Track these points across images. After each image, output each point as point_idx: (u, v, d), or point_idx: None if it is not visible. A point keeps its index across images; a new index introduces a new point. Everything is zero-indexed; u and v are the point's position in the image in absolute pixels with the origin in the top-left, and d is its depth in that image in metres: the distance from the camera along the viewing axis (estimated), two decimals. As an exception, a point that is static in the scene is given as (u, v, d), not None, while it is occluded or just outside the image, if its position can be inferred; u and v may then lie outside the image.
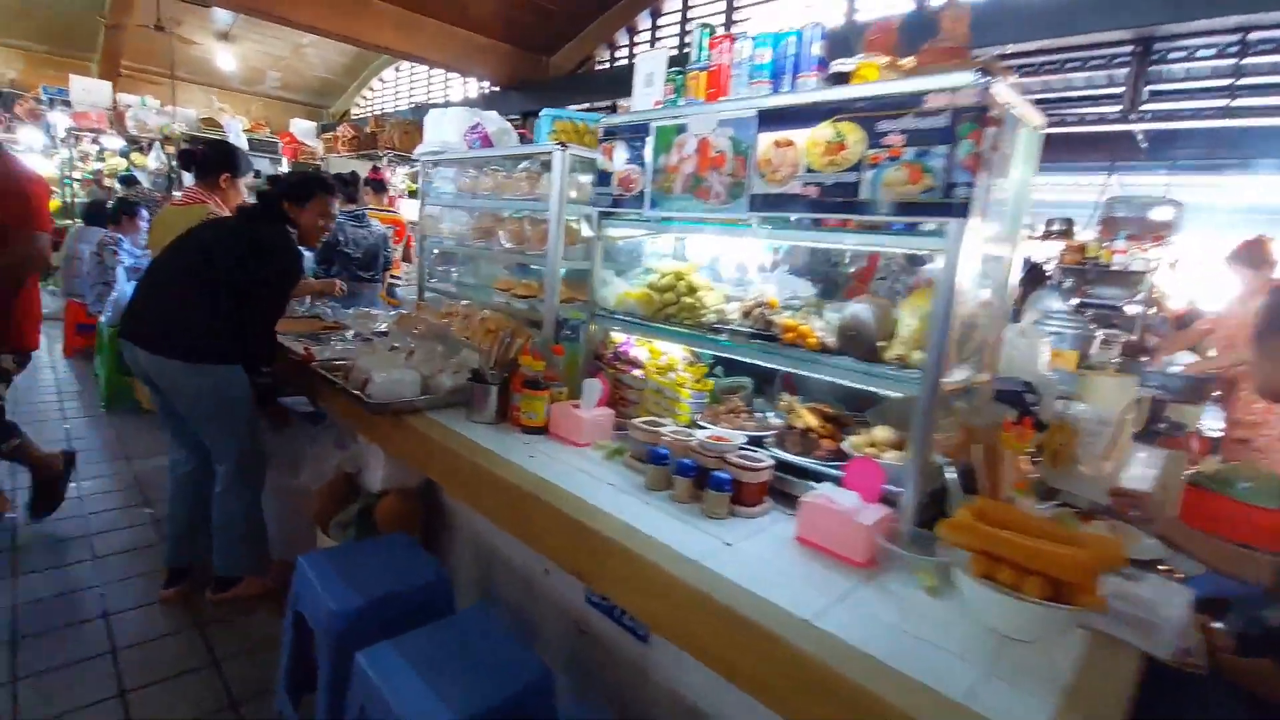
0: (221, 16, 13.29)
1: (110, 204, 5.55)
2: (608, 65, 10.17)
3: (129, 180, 7.73)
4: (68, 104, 8.52)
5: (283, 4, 7.90)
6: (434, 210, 2.96)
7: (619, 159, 1.87)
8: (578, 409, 1.84)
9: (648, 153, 1.78)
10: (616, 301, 1.90)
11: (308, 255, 3.55)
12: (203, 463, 2.41)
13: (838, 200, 1.40)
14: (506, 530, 1.64)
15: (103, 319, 4.48)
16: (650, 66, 1.89)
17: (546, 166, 2.29)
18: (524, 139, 2.75)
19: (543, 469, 1.64)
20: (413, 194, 8.27)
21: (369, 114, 16.27)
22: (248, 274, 2.25)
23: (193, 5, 10.08)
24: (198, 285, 2.21)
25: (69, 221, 8.40)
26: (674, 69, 1.87)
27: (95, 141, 8.54)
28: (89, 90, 8.54)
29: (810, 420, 1.66)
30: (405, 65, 15.00)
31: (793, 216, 1.52)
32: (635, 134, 1.82)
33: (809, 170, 1.44)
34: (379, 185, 5.03)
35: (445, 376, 2.05)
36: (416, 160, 3.12)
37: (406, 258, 4.83)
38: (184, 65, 14.75)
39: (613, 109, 10.04)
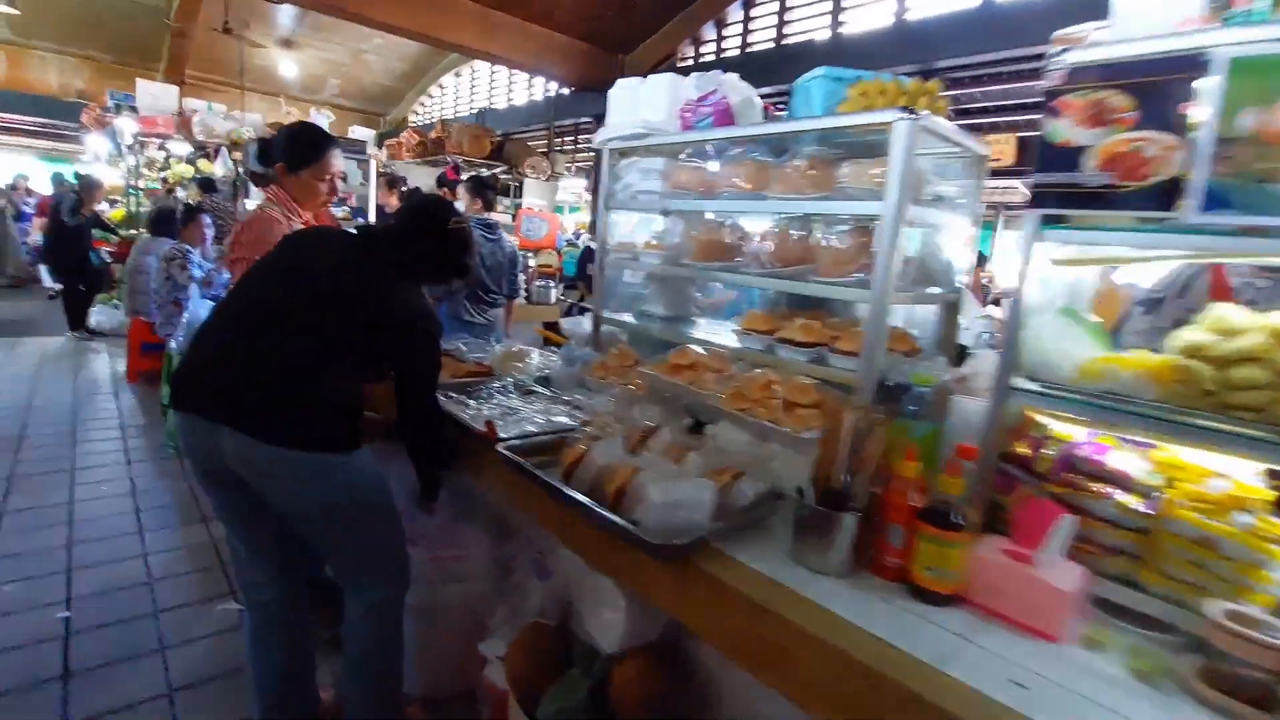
0: (284, 23, 13.03)
1: (179, 211, 4.98)
2: (691, 62, 9.43)
3: (207, 184, 7.25)
4: (134, 109, 8.13)
5: (361, 2, 7.38)
6: (619, 216, 2.19)
7: (1099, 125, 1.05)
8: (1032, 566, 1.02)
9: (1199, 109, 0.97)
10: (1087, 372, 1.08)
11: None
12: (293, 585, 1.68)
13: None
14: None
15: (172, 343, 3.84)
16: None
17: (852, 150, 1.50)
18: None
19: (998, 689, 0.84)
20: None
21: (426, 120, 15.89)
22: (392, 320, 1.54)
23: (262, 8, 9.73)
24: (317, 332, 1.49)
25: (135, 231, 8.01)
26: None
27: (162, 148, 8.12)
28: (156, 95, 8.12)
29: None
30: (466, 70, 14.56)
31: None
32: (1155, 75, 1.00)
33: None
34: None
35: (745, 486, 1.26)
36: (589, 149, 2.35)
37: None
38: (246, 74, 14.60)
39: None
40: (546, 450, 1.55)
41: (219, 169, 7.74)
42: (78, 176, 8.27)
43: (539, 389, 2.10)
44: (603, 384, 1.87)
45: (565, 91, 11.63)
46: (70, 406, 4.56)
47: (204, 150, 8.12)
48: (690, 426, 1.55)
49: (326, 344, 1.49)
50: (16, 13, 9.82)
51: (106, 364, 5.80)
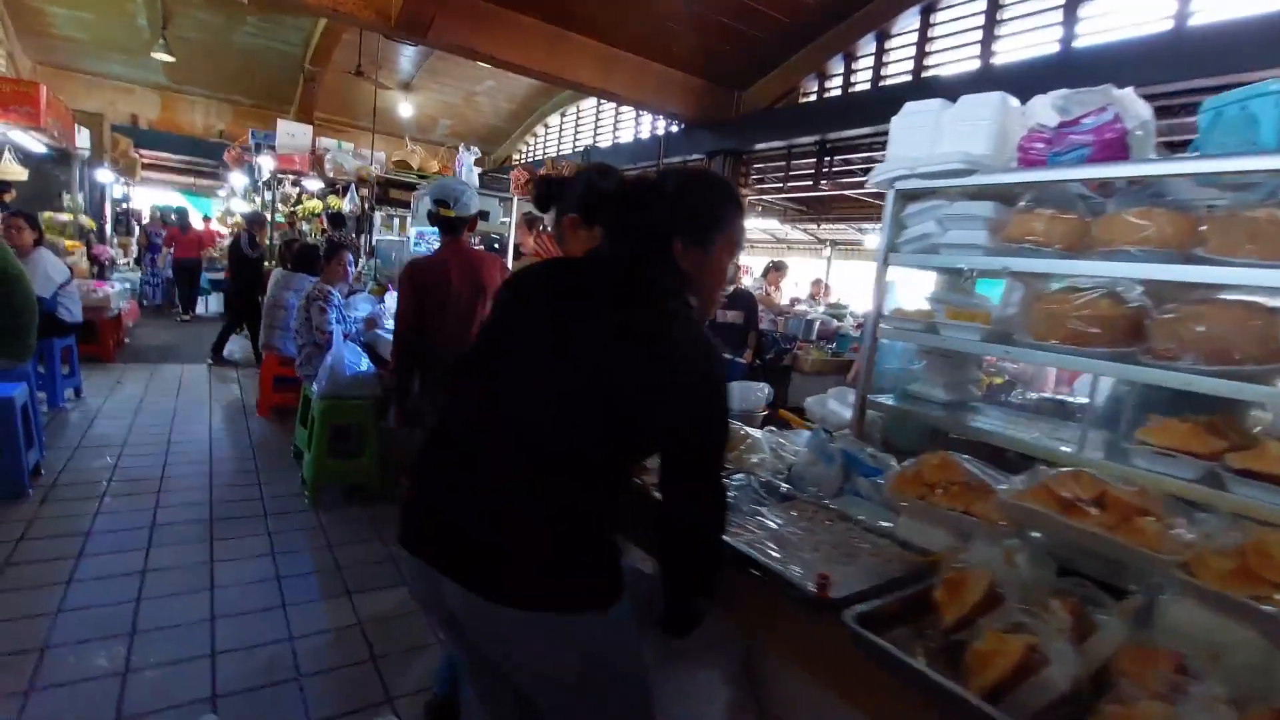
0: (405, 68, 13.68)
1: (322, 247, 4.93)
2: (814, 97, 9.01)
3: (337, 219, 7.40)
4: (272, 148, 8.51)
5: (491, 43, 7.44)
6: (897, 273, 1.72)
7: None
8: None
9: None
10: None
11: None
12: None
13: None
14: None
15: (314, 388, 3.66)
16: None
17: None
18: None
19: None
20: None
21: (530, 158, 16.21)
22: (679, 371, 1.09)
23: (389, 53, 10.14)
24: (574, 431, 1.07)
25: (269, 262, 8.31)
26: None
27: (296, 183, 8.43)
28: (293, 134, 8.49)
29: None
30: (571, 109, 14.77)
31: None
32: None
33: None
34: None
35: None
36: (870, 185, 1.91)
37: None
38: (365, 116, 15.42)
39: (822, 147, 8.85)
40: (902, 617, 1.07)
41: (346, 204, 7.91)
42: (243, 213, 8.59)
43: (798, 493, 1.63)
44: (911, 502, 1.38)
45: (674, 129, 11.48)
46: (207, 441, 4.50)
47: (334, 187, 8.37)
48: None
49: (587, 447, 1.08)
50: (173, 59, 10.64)
51: (239, 395, 5.84)
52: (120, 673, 2.12)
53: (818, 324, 6.35)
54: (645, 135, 12.23)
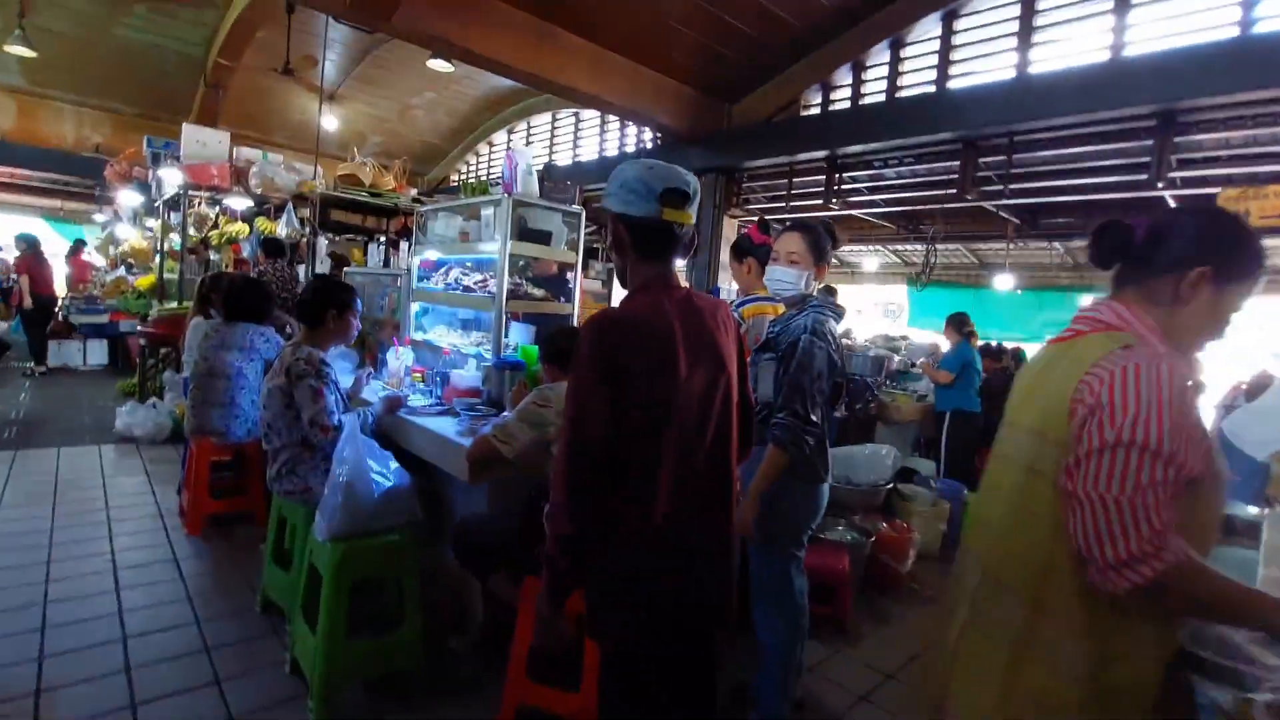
0: (330, 74, 11.96)
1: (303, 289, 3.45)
2: (817, 109, 8.27)
3: (274, 247, 5.77)
4: (177, 159, 6.73)
5: (467, 34, 6.15)
6: None
7: None
8: None
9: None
10: None
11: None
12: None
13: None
14: None
15: (321, 526, 2.24)
16: None
17: None
18: None
19: None
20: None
21: (474, 178, 14.73)
22: None
23: (316, 49, 8.54)
24: None
25: (172, 305, 6.46)
26: None
27: (216, 203, 6.69)
28: (204, 142, 6.74)
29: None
30: (522, 126, 13.50)
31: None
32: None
33: None
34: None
35: None
36: None
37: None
38: (281, 128, 13.44)
39: (831, 163, 8.07)
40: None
41: (283, 229, 6.28)
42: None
43: None
44: None
45: (648, 145, 10.51)
46: (112, 598, 2.86)
47: (264, 207, 6.70)
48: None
49: None
50: (32, 54, 8.53)
51: (151, 498, 4.11)
52: None
53: (885, 361, 5.41)
54: (612, 152, 11.17)
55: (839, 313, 2.17)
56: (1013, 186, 6.66)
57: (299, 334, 2.74)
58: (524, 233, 3.30)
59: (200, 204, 6.71)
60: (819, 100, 8.31)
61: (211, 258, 7.32)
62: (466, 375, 3.06)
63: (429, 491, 2.67)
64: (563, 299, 3.60)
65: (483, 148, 14.71)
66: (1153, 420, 0.94)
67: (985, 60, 6.82)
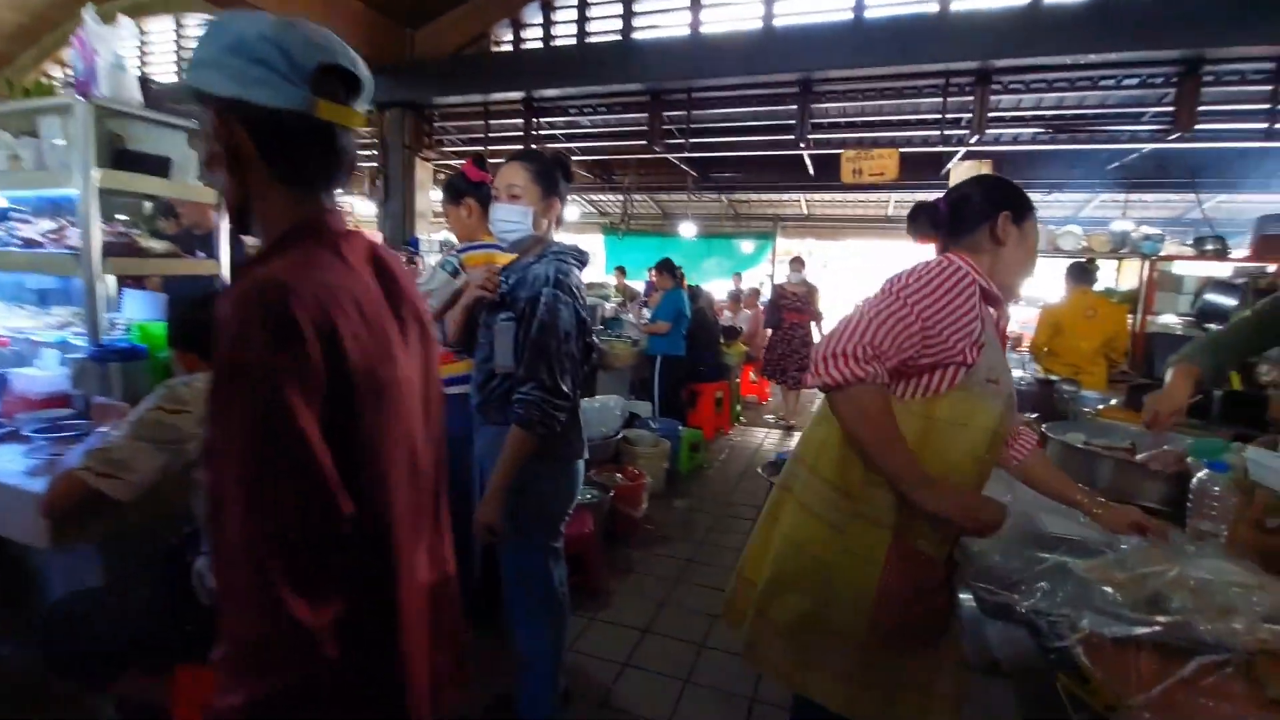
0: None
1: None
2: (510, 47, 7.79)
3: None
4: None
5: None
6: None
7: None
8: None
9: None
10: None
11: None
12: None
13: None
14: None
15: None
16: None
17: None
18: None
19: None
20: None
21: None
22: None
23: None
24: None
25: None
26: None
27: None
28: None
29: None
30: (131, 31, 10.10)
31: None
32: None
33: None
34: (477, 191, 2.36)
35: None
36: None
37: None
38: None
39: (528, 105, 7.66)
40: None
41: None
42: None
43: None
44: None
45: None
46: None
47: None
48: None
49: None
50: None
51: None
52: None
53: (599, 309, 5.46)
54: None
55: (583, 259, 1.90)
56: (692, 141, 7.18)
57: None
58: (122, 157, 2.29)
59: None
60: (510, 38, 7.83)
61: None
62: (41, 375, 2.03)
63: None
64: (201, 254, 2.64)
65: (69, 54, 10.72)
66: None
67: (665, 16, 7.13)
